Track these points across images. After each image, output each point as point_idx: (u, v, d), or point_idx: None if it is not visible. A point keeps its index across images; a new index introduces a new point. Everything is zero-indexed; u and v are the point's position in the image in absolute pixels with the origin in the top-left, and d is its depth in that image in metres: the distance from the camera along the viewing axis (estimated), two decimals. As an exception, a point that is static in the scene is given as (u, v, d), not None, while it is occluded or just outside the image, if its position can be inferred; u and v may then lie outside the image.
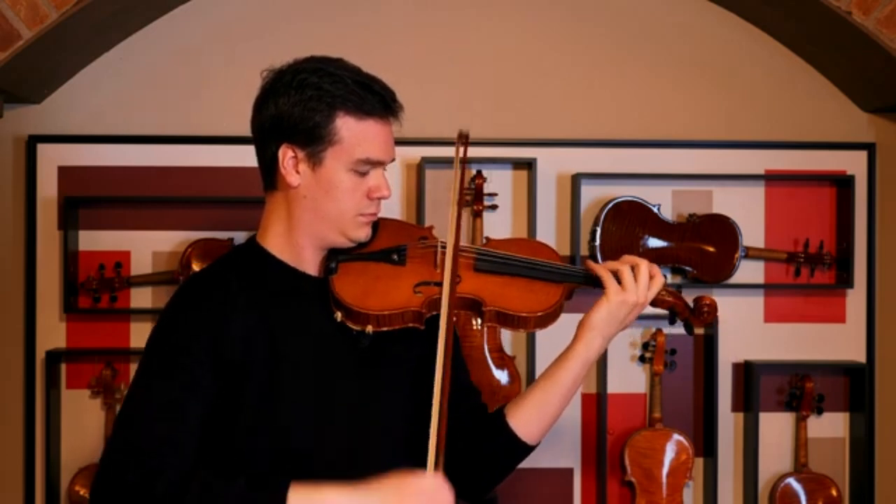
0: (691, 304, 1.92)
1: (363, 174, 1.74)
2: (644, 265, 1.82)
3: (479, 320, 1.79)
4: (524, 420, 1.83)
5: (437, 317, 1.73)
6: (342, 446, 1.74)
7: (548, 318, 1.79)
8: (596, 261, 3.05)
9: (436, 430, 1.63)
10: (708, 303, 1.91)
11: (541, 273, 1.82)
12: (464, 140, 1.81)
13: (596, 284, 1.84)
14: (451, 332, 1.68)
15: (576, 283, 1.84)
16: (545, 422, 1.83)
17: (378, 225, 1.84)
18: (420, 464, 1.83)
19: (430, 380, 1.83)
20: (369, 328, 1.72)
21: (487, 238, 1.93)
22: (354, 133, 1.72)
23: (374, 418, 1.78)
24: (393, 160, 1.79)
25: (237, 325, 1.71)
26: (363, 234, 1.79)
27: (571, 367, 1.81)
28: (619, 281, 1.79)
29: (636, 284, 1.79)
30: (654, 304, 1.90)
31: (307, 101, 1.71)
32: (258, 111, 1.78)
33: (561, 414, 1.85)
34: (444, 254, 1.78)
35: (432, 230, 1.88)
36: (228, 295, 1.74)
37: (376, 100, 1.74)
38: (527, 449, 1.84)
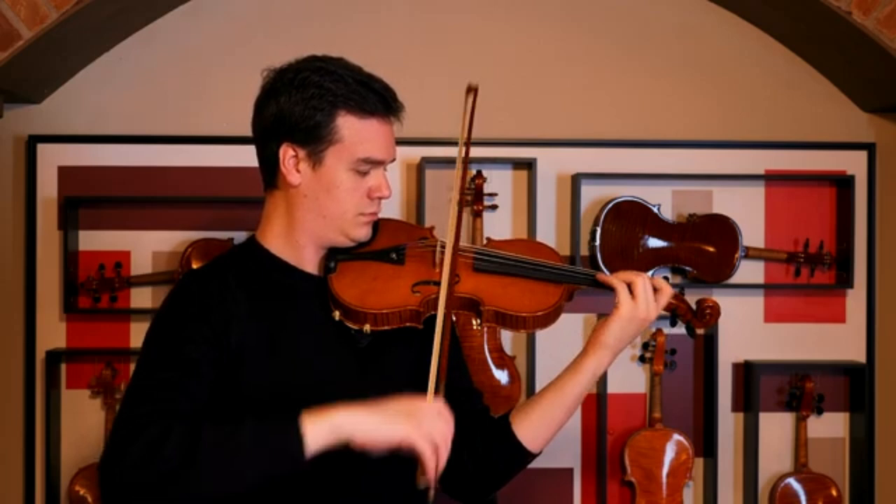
0: (693, 307, 1.91)
1: (364, 174, 1.74)
2: (650, 279, 1.81)
3: (478, 320, 1.79)
4: (530, 430, 1.83)
5: (435, 316, 1.73)
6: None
7: (547, 319, 1.79)
8: (596, 261, 3.05)
9: (437, 356, 1.64)
10: (710, 304, 1.91)
11: (540, 273, 1.82)
12: (473, 92, 1.80)
13: (597, 286, 1.84)
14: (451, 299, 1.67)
15: (576, 284, 1.83)
16: (550, 431, 1.84)
17: (378, 225, 1.84)
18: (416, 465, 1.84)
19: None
20: (367, 327, 1.72)
21: (488, 239, 1.93)
22: (355, 132, 1.72)
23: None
24: (393, 160, 1.79)
25: (236, 316, 1.71)
26: (363, 233, 1.79)
27: (580, 381, 1.81)
28: (631, 294, 1.79)
29: (646, 299, 1.79)
30: None
31: (308, 99, 1.71)
32: (259, 110, 1.78)
33: (565, 423, 1.85)
34: (443, 254, 1.78)
35: (433, 231, 1.88)
36: (227, 290, 1.73)
37: (377, 99, 1.74)
38: (531, 457, 1.85)
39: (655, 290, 1.81)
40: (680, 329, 1.97)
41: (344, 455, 1.63)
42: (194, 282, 1.77)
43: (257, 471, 1.55)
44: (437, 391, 1.63)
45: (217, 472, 1.54)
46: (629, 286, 1.79)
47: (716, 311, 1.91)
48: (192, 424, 1.58)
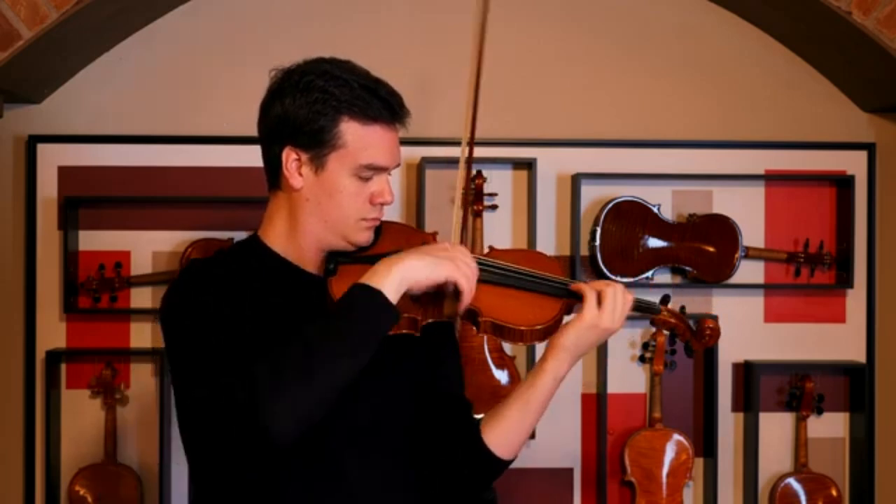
0: (693, 326, 1.91)
1: (366, 179, 1.73)
2: (620, 290, 1.80)
3: (475, 330, 1.77)
4: (500, 438, 1.82)
5: (434, 324, 1.72)
6: (333, 443, 1.74)
7: (545, 333, 1.77)
8: (596, 261, 3.05)
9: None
10: (710, 326, 1.90)
11: (541, 286, 1.80)
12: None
13: (573, 297, 1.82)
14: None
15: (554, 296, 1.81)
16: (520, 438, 1.83)
17: (381, 229, 1.83)
18: (415, 469, 1.84)
19: (426, 387, 1.82)
20: None
21: (490, 247, 1.91)
22: (359, 138, 1.71)
23: (367, 419, 1.77)
24: (398, 166, 1.78)
25: (236, 307, 1.69)
26: (365, 238, 1.78)
27: (543, 385, 1.80)
28: (599, 302, 1.78)
29: (613, 310, 1.78)
30: (655, 324, 1.89)
31: (312, 103, 1.70)
32: (264, 111, 1.77)
33: (534, 427, 1.85)
34: None
35: (435, 236, 1.87)
36: (229, 279, 1.73)
37: (382, 105, 1.72)
38: (504, 464, 1.84)
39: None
40: (681, 343, 1.96)
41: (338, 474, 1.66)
42: (201, 269, 1.76)
43: (362, 340, 1.61)
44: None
45: (329, 357, 1.57)
46: (599, 294, 1.79)
47: (715, 332, 1.90)
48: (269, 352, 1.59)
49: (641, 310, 1.86)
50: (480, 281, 1.78)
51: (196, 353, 1.63)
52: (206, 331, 1.64)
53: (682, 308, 1.91)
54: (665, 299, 1.90)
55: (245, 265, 1.77)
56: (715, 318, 1.98)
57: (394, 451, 1.80)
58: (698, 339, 1.90)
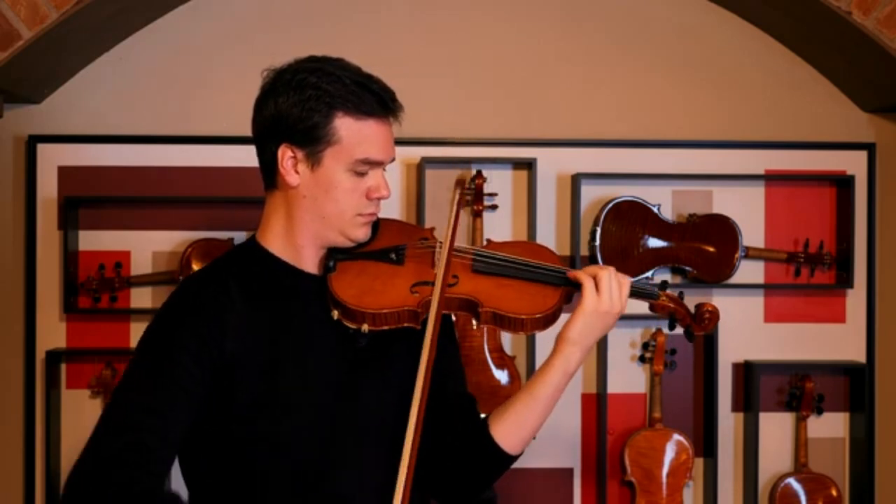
0: (692, 311, 1.91)
1: (362, 174, 1.74)
2: (614, 272, 1.80)
3: (476, 322, 1.78)
4: (507, 433, 1.82)
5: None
6: (338, 443, 1.74)
7: (545, 321, 1.78)
8: (596, 261, 3.05)
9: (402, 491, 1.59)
10: (710, 309, 1.89)
11: (539, 276, 1.81)
12: (460, 185, 1.82)
13: (569, 284, 1.83)
14: (429, 374, 1.67)
15: (553, 284, 1.82)
16: (528, 433, 1.83)
17: (379, 225, 1.84)
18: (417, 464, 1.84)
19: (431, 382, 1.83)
20: (365, 327, 1.72)
21: (489, 240, 1.92)
22: (353, 133, 1.72)
23: (372, 416, 1.78)
24: (393, 160, 1.79)
25: (232, 323, 1.70)
26: (362, 233, 1.78)
27: (552, 381, 1.80)
28: (596, 288, 1.78)
29: (609, 292, 1.78)
30: (654, 309, 1.89)
31: (306, 101, 1.71)
32: (258, 111, 1.78)
33: (543, 423, 1.85)
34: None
35: (433, 231, 1.87)
36: (223, 294, 1.73)
37: (375, 100, 1.73)
38: (510, 459, 1.84)
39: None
40: (681, 329, 1.96)
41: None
42: (189, 294, 1.76)
43: None
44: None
45: None
46: (595, 280, 1.79)
47: (715, 315, 1.90)
48: (153, 489, 1.62)
49: (641, 295, 1.87)
50: (480, 272, 1.79)
51: (132, 394, 1.67)
52: (151, 378, 1.67)
53: (681, 294, 1.91)
54: (663, 285, 1.90)
55: (243, 271, 1.77)
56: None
57: (396, 446, 1.80)
58: (698, 322, 1.90)
